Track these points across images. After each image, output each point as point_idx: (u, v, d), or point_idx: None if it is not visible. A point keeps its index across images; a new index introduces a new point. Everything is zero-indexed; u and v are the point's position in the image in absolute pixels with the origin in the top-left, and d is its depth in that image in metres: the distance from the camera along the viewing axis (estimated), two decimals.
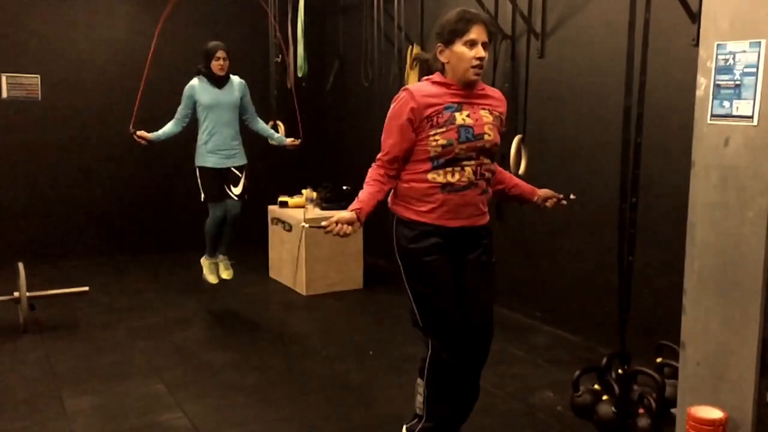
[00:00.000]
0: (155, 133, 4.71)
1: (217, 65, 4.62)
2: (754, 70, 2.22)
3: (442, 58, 2.41)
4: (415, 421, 2.72)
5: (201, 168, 4.74)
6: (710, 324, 2.45)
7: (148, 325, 4.67)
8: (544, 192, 2.80)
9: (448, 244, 2.47)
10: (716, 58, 2.34)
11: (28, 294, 4.43)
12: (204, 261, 5.00)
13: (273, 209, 5.88)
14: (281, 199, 5.83)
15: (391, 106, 2.45)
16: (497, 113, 2.52)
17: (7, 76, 6.05)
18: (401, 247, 2.49)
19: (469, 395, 2.67)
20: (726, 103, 2.32)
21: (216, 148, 4.69)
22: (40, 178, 6.30)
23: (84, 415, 3.32)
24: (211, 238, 4.87)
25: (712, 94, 2.36)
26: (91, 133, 6.41)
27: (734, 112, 2.29)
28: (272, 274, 5.94)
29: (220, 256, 5.00)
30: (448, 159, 2.39)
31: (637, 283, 3.45)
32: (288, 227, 5.59)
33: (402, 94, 2.42)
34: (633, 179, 3.21)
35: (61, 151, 6.34)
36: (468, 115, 2.40)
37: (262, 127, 5.00)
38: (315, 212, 5.54)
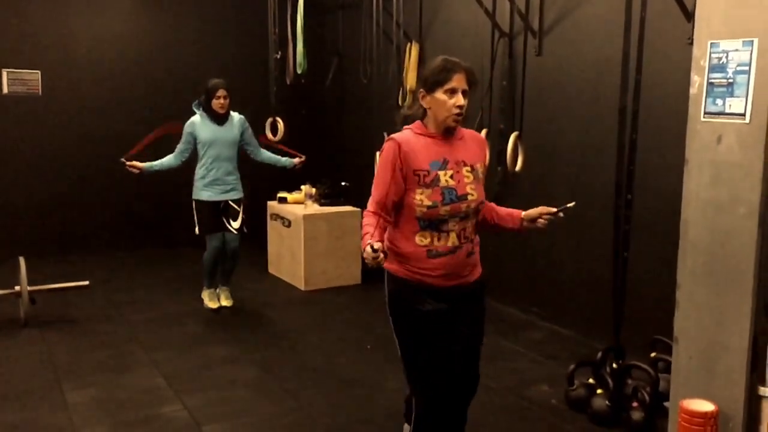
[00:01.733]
0: (149, 164, 4.73)
1: (217, 104, 4.65)
2: (746, 68, 2.26)
3: (425, 104, 2.46)
4: None
5: (197, 201, 4.79)
6: (703, 319, 2.48)
7: (147, 319, 4.71)
8: (530, 213, 2.66)
9: (440, 300, 2.50)
10: (709, 56, 2.37)
11: (28, 288, 4.46)
12: (204, 293, 5.02)
13: (272, 205, 5.91)
14: (280, 195, 5.86)
15: (379, 155, 2.49)
16: (478, 167, 2.54)
17: (7, 72, 6.08)
18: (392, 299, 2.54)
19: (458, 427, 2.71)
20: (719, 101, 2.35)
21: (213, 183, 4.74)
22: (40, 174, 6.33)
23: (84, 407, 3.36)
24: (209, 270, 4.90)
25: (706, 92, 2.39)
26: (92, 128, 6.44)
27: (727, 110, 2.33)
28: (271, 270, 5.97)
29: (222, 287, 5.04)
30: (433, 221, 2.43)
31: (632, 279, 3.49)
32: (287, 223, 5.63)
33: (388, 144, 2.46)
34: (628, 176, 3.25)
35: (61, 146, 6.36)
36: (451, 176, 2.44)
37: (267, 156, 5.04)
38: (314, 208, 5.57)
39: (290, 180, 6.03)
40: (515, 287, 4.88)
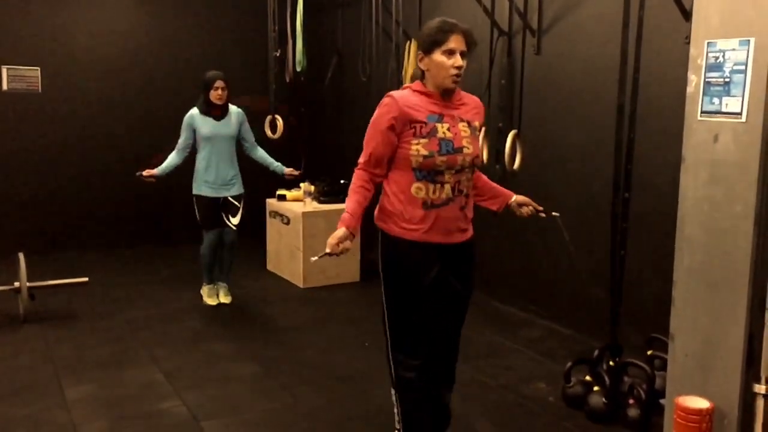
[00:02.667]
0: (160, 168, 4.75)
1: (215, 95, 4.65)
2: (743, 67, 2.27)
3: (422, 66, 2.48)
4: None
5: (197, 196, 4.81)
6: (699, 317, 2.50)
7: (146, 315, 4.73)
8: (521, 198, 2.77)
9: (432, 260, 2.52)
10: (706, 55, 2.38)
11: (28, 284, 4.48)
12: (203, 289, 5.04)
13: (271, 202, 5.92)
14: (279, 192, 5.88)
15: (376, 111, 2.50)
16: (475, 124, 2.58)
17: (7, 69, 6.09)
18: (386, 258, 2.57)
19: (441, 415, 2.75)
20: (716, 100, 2.36)
21: (213, 180, 4.76)
22: (40, 170, 6.34)
23: (84, 403, 3.37)
24: (208, 264, 4.91)
25: (702, 91, 2.41)
26: (91, 125, 6.45)
27: (723, 109, 2.34)
28: (270, 267, 5.98)
29: (221, 284, 5.05)
30: (429, 171, 2.44)
31: (629, 277, 3.51)
32: (286, 220, 5.64)
33: (386, 100, 2.48)
34: (626, 174, 3.27)
35: (61, 143, 6.38)
36: (448, 129, 2.46)
37: (262, 155, 5.04)
38: (313, 206, 5.59)
39: (290, 179, 6.05)
40: (513, 285, 4.90)
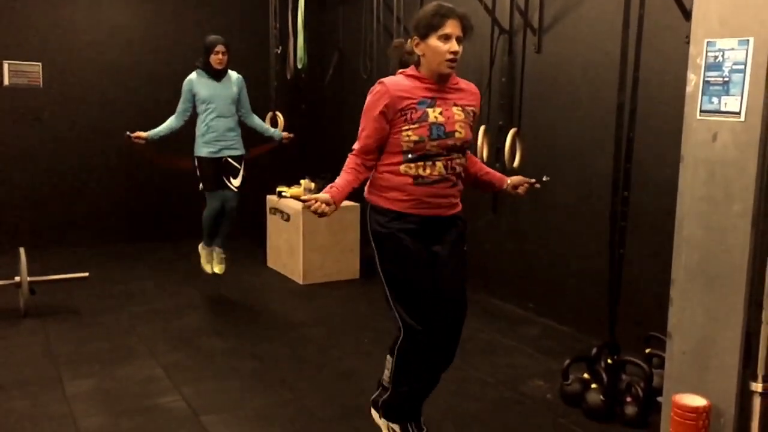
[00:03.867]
0: (152, 131, 4.77)
1: (216, 59, 4.68)
2: (742, 67, 2.28)
3: (418, 51, 2.47)
4: (380, 390, 2.79)
5: (198, 158, 4.82)
6: (696, 315, 2.51)
7: (146, 311, 4.74)
8: (514, 179, 2.81)
9: (420, 230, 2.54)
10: (706, 55, 2.39)
11: (28, 279, 4.49)
12: (201, 249, 5.08)
13: (271, 199, 5.93)
14: (279, 189, 5.89)
15: (368, 97, 2.51)
16: (470, 109, 2.57)
17: (9, 64, 6.10)
18: (374, 231, 2.58)
19: (442, 365, 2.74)
20: (715, 99, 2.37)
21: (213, 140, 4.77)
22: (41, 165, 6.35)
23: (84, 397, 3.38)
24: (208, 228, 4.93)
25: (702, 91, 2.41)
26: (92, 120, 6.46)
27: (722, 108, 2.35)
28: (270, 263, 6.00)
29: (217, 249, 5.06)
30: (420, 154, 2.46)
31: (628, 275, 3.52)
32: (286, 217, 5.65)
33: (377, 87, 2.48)
34: (625, 173, 3.28)
35: (62, 138, 6.38)
36: (440, 113, 2.46)
37: (258, 123, 5.07)
38: None
39: (289, 174, 6.06)
40: (512, 283, 4.91)
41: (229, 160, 4.84)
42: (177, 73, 6.50)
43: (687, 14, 3.46)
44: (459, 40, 2.43)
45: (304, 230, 5.41)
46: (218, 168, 4.81)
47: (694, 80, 2.44)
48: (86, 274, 4.87)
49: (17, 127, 6.22)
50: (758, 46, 2.24)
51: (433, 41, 2.41)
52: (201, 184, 4.85)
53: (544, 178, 2.84)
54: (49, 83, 6.27)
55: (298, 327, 4.54)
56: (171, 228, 6.70)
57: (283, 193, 5.78)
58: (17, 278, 4.51)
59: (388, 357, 2.71)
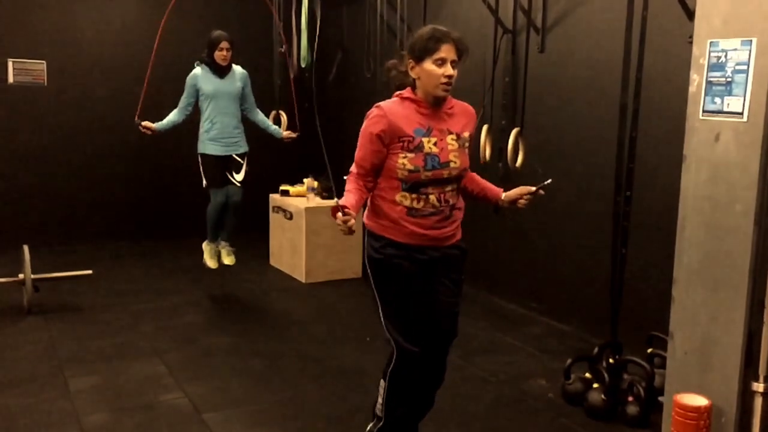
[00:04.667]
0: (160, 123, 4.78)
1: (220, 55, 4.68)
2: (744, 67, 2.28)
3: (413, 74, 2.48)
4: (375, 421, 2.79)
5: (203, 155, 4.82)
6: (698, 315, 2.51)
7: (150, 308, 4.75)
8: (509, 193, 2.69)
9: (416, 258, 2.54)
10: (709, 55, 2.39)
11: (32, 276, 4.50)
12: (205, 246, 5.07)
13: (274, 197, 5.95)
14: (283, 187, 5.90)
15: (365, 121, 2.51)
16: (465, 136, 2.57)
17: (13, 62, 6.11)
18: (370, 256, 2.59)
19: (432, 387, 2.74)
20: (717, 100, 2.38)
21: (217, 137, 4.77)
22: (45, 163, 6.36)
23: (87, 394, 3.40)
24: (213, 223, 4.94)
25: (704, 91, 2.42)
26: (96, 118, 6.47)
27: (725, 109, 2.35)
28: (272, 262, 6.01)
29: (222, 243, 5.07)
30: (414, 183, 2.47)
31: (630, 275, 3.52)
32: (289, 215, 5.66)
33: (375, 111, 2.49)
34: (628, 173, 3.28)
35: (66, 136, 6.40)
36: (435, 143, 2.47)
37: (261, 118, 5.07)
38: (316, 201, 5.61)
39: (293, 173, 6.08)
40: (514, 282, 4.92)
41: (234, 156, 4.85)
42: (180, 71, 6.51)
43: (690, 14, 3.46)
44: (454, 64, 2.44)
45: (307, 229, 5.42)
46: (222, 165, 4.82)
47: (696, 80, 2.45)
48: (90, 271, 4.89)
49: (21, 124, 6.23)
50: (761, 47, 2.24)
51: (428, 65, 2.42)
52: (204, 181, 4.86)
53: (546, 182, 2.66)
54: (53, 81, 6.28)
55: (301, 325, 4.55)
56: (175, 226, 6.71)
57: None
58: (21, 275, 4.52)
59: (381, 382, 2.72)
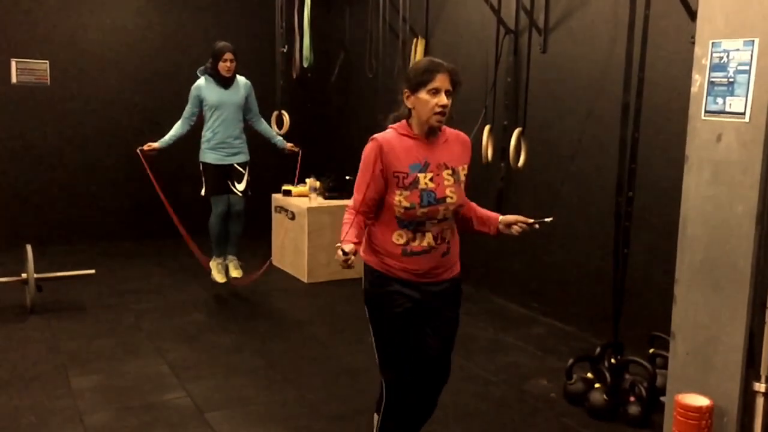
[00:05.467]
0: (162, 140, 4.80)
1: (224, 67, 4.70)
2: (747, 68, 2.29)
3: (408, 104, 2.49)
4: None
5: (204, 164, 4.84)
6: (700, 315, 2.52)
7: (152, 308, 4.76)
8: (507, 219, 2.67)
9: (413, 294, 2.54)
10: (711, 55, 2.40)
11: (35, 276, 4.51)
12: (212, 263, 5.07)
13: (277, 197, 5.95)
14: (285, 187, 5.91)
15: (363, 153, 2.52)
16: (460, 169, 2.57)
17: (16, 62, 6.13)
18: (367, 290, 2.60)
19: (424, 415, 2.74)
20: (719, 100, 2.38)
21: (219, 146, 4.79)
22: (48, 162, 6.38)
23: (89, 393, 3.41)
24: (216, 236, 4.95)
25: (707, 91, 2.43)
26: (99, 117, 6.49)
27: (727, 109, 2.36)
28: (275, 262, 6.01)
29: (230, 257, 5.08)
30: (411, 221, 2.47)
31: (632, 275, 3.52)
32: (291, 215, 5.67)
33: (371, 146, 2.50)
34: (630, 173, 3.28)
35: (69, 135, 6.42)
36: (431, 179, 2.47)
37: (265, 128, 5.09)
38: (318, 201, 5.61)
39: (295, 173, 6.08)
40: (516, 283, 4.92)
41: (235, 165, 4.86)
42: (183, 71, 6.54)
43: (692, 15, 3.46)
44: (448, 94, 2.46)
45: (309, 229, 5.43)
46: (223, 174, 4.84)
47: (699, 81, 2.45)
48: (92, 271, 4.90)
49: (24, 124, 6.25)
50: (763, 47, 2.25)
51: (423, 95, 2.44)
52: (203, 190, 4.86)
53: (546, 219, 2.68)
54: (56, 81, 6.30)
55: (303, 325, 4.56)
56: (177, 226, 6.71)
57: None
58: (24, 275, 4.53)
59: (375, 416, 2.73)
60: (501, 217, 2.69)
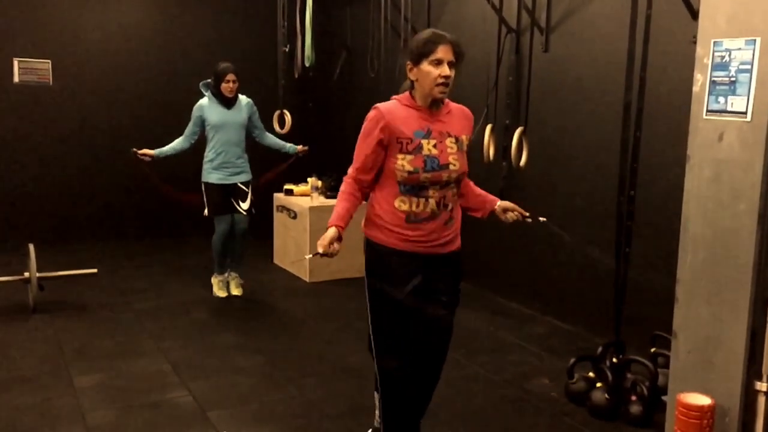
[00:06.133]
0: (160, 149, 4.80)
1: (227, 88, 4.70)
2: (748, 67, 2.29)
3: (411, 76, 2.50)
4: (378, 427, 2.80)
5: (206, 184, 4.85)
6: (701, 314, 2.51)
7: (154, 307, 4.77)
8: (505, 204, 2.73)
9: (414, 268, 2.54)
10: (713, 54, 2.40)
11: (38, 275, 4.52)
12: (214, 279, 5.09)
13: (278, 197, 5.96)
14: (287, 187, 5.92)
15: (364, 123, 2.52)
16: (463, 138, 2.58)
17: (19, 61, 6.14)
18: (369, 264, 2.60)
19: (427, 389, 2.73)
20: (721, 99, 2.38)
21: (222, 166, 4.80)
22: (50, 162, 6.40)
23: (92, 392, 3.42)
24: (219, 254, 4.96)
25: (708, 90, 2.42)
26: (101, 117, 6.50)
27: (729, 108, 2.36)
28: (276, 261, 6.02)
29: (232, 274, 5.09)
30: (413, 186, 2.47)
31: (634, 275, 3.52)
32: (293, 215, 5.68)
33: (373, 114, 2.50)
34: (631, 172, 3.28)
35: (71, 135, 6.43)
36: (434, 145, 2.48)
37: (272, 141, 5.11)
38: (320, 200, 5.62)
39: (297, 172, 6.08)
40: (517, 282, 4.92)
41: (238, 184, 4.87)
42: (185, 71, 6.57)
43: (694, 14, 3.46)
44: (451, 65, 2.45)
45: (310, 228, 5.43)
46: (226, 194, 4.85)
47: (700, 80, 2.45)
48: (95, 270, 4.91)
49: (26, 124, 6.26)
50: (765, 46, 2.24)
51: (425, 66, 2.44)
52: (207, 210, 4.87)
53: (541, 219, 2.74)
54: (58, 80, 6.31)
55: (305, 324, 4.56)
56: (179, 225, 6.73)
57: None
58: (26, 274, 4.54)
59: (375, 394, 2.73)
60: (500, 202, 2.73)
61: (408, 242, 2.50)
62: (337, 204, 2.55)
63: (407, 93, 2.53)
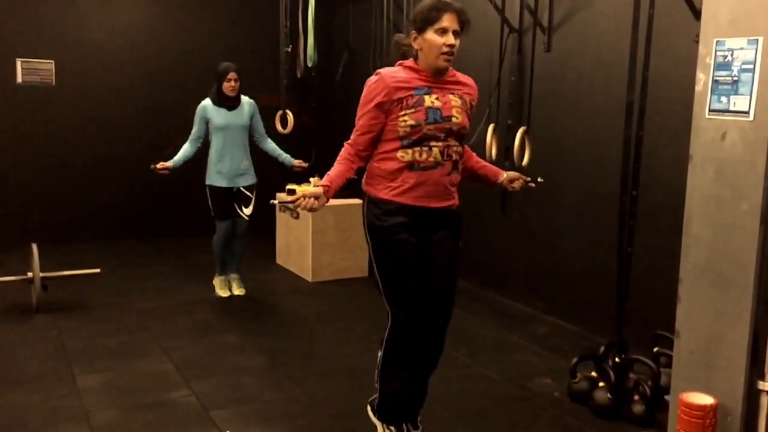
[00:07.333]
0: (173, 159, 4.80)
1: (228, 87, 4.69)
2: (751, 66, 2.28)
3: (415, 45, 2.49)
4: (376, 395, 2.82)
5: (210, 187, 4.85)
6: (704, 313, 2.51)
7: (157, 306, 4.78)
8: (510, 173, 2.84)
9: (416, 224, 2.54)
10: (715, 54, 2.40)
11: (41, 274, 4.53)
12: (215, 280, 5.10)
13: (281, 197, 5.96)
14: (289, 186, 5.91)
15: (365, 88, 2.53)
16: (467, 99, 2.59)
17: (21, 62, 6.16)
18: (371, 224, 2.59)
19: (429, 361, 2.74)
20: (723, 99, 2.38)
21: (225, 169, 4.80)
22: (53, 162, 6.41)
23: (95, 391, 3.42)
24: (220, 254, 4.97)
25: (711, 90, 2.42)
26: (105, 117, 6.52)
27: (731, 107, 2.36)
28: (279, 261, 6.03)
29: (233, 275, 5.10)
30: (417, 138, 2.47)
31: (636, 274, 3.52)
32: (295, 215, 5.68)
33: (373, 79, 2.51)
34: (634, 172, 3.28)
35: (74, 135, 6.45)
36: (437, 98, 2.48)
37: (271, 147, 5.09)
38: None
39: (299, 172, 6.09)
40: (520, 281, 4.92)
41: (242, 189, 4.87)
42: (187, 71, 6.58)
43: (696, 13, 3.46)
44: (456, 34, 2.45)
45: (313, 228, 5.44)
46: (230, 197, 4.85)
47: (703, 79, 2.45)
48: (98, 270, 4.92)
49: (29, 124, 6.27)
50: None
51: (430, 35, 2.43)
52: (213, 212, 4.89)
53: (538, 179, 2.87)
54: (61, 81, 6.32)
55: (307, 323, 4.57)
56: (182, 224, 6.75)
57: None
58: (30, 274, 4.55)
59: (378, 352, 2.73)
60: (505, 173, 2.82)
61: (408, 194, 2.50)
62: (333, 167, 2.56)
63: (411, 60, 2.54)
